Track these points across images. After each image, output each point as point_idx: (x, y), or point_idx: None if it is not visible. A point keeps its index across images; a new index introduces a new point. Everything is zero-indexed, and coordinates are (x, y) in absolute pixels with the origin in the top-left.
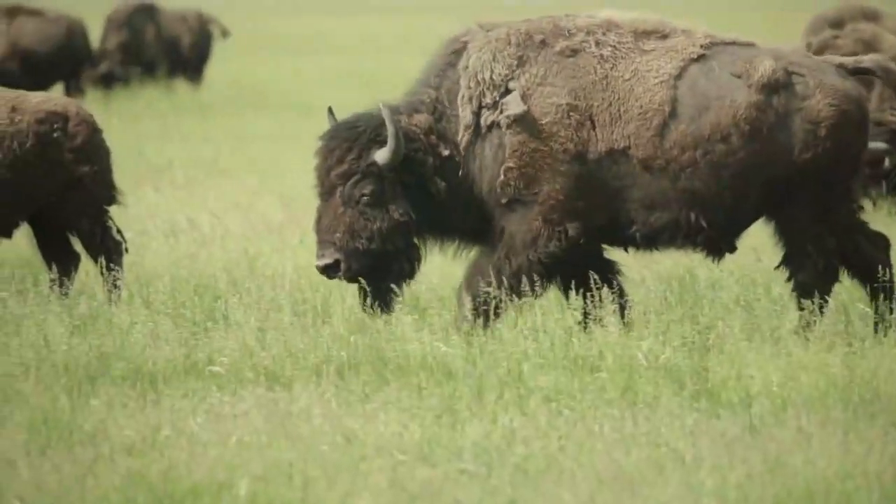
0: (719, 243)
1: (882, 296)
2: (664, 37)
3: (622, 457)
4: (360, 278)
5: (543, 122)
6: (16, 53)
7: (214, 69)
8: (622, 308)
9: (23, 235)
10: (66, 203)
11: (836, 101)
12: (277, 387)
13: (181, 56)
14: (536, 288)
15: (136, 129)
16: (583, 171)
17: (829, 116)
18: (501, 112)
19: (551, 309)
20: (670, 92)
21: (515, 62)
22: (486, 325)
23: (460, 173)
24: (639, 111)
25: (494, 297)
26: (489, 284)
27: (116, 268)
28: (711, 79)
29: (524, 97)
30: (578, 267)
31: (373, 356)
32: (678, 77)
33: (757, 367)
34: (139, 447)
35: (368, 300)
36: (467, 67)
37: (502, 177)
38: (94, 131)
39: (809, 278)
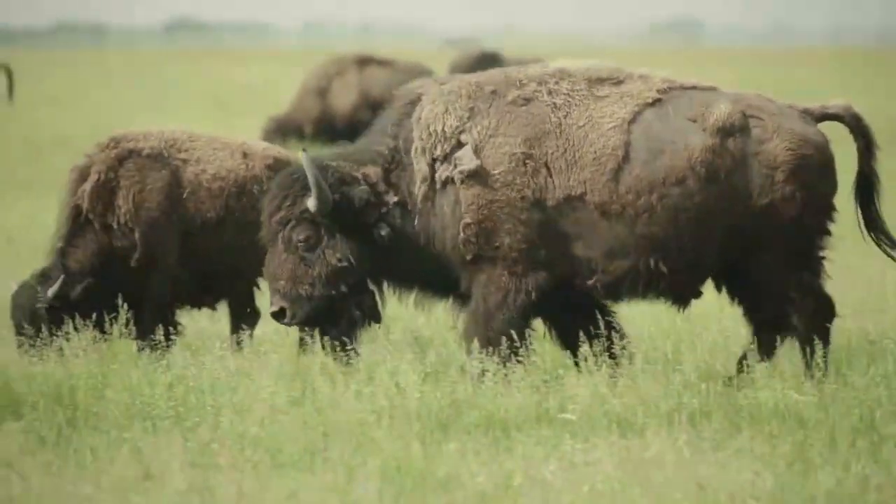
0: (683, 290)
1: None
2: (619, 83)
3: None
4: (309, 325)
5: (497, 172)
6: (367, 103)
7: None
8: (611, 351)
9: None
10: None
11: (794, 146)
12: (630, 434)
13: None
14: (523, 343)
15: None
16: (543, 218)
17: (786, 161)
18: (455, 167)
19: None
20: (623, 136)
21: (467, 114)
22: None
23: (415, 224)
24: (593, 157)
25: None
26: (480, 350)
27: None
28: (666, 123)
29: (476, 150)
30: (573, 316)
31: (725, 403)
32: (632, 121)
33: None
34: (492, 494)
35: (327, 344)
36: (420, 119)
37: (462, 234)
38: None
39: (803, 321)
